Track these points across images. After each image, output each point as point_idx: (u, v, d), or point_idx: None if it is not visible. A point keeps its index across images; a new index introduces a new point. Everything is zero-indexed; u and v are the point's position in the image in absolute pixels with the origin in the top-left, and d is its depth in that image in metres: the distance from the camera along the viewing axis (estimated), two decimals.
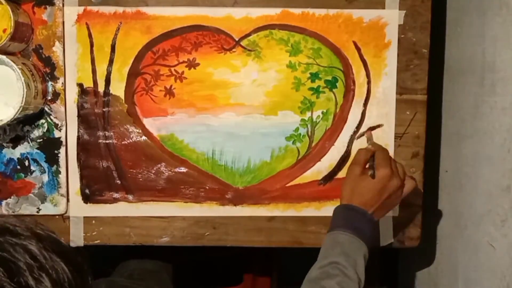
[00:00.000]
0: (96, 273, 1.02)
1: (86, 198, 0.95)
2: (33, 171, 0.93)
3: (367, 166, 0.86)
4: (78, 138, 0.94)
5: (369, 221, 0.82)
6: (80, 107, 0.93)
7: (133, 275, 1.05)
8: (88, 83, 0.93)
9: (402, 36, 0.95)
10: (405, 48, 0.95)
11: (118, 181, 0.95)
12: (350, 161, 0.96)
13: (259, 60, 0.94)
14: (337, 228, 0.82)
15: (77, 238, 0.95)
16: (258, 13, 0.93)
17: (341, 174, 0.96)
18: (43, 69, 0.92)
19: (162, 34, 0.93)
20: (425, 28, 0.94)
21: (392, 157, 0.91)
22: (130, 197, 0.95)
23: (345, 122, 0.96)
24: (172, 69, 0.94)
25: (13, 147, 0.93)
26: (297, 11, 0.93)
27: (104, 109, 0.94)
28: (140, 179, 0.95)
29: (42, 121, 0.93)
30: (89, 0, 0.92)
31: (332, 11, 0.93)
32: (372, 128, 0.95)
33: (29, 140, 0.93)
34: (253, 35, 0.94)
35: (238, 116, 0.95)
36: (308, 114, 0.95)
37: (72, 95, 0.93)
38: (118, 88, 0.94)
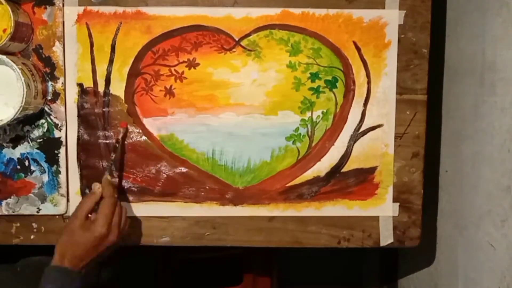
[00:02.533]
0: None
1: None
2: (33, 171, 0.93)
3: (90, 215, 0.84)
4: (78, 138, 0.94)
5: (77, 278, 0.82)
6: (80, 107, 0.94)
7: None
8: (88, 83, 0.93)
9: (402, 36, 0.95)
10: (405, 48, 0.95)
11: (118, 181, 0.95)
12: (350, 161, 0.96)
13: (259, 60, 0.94)
14: None
15: None
16: (258, 13, 0.93)
17: (341, 174, 0.96)
18: (43, 69, 0.92)
19: (162, 34, 0.93)
20: (425, 28, 0.95)
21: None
22: (130, 197, 0.95)
23: (345, 122, 0.96)
24: (172, 69, 0.94)
25: (13, 147, 0.93)
26: (297, 11, 0.93)
27: (104, 109, 0.94)
28: (140, 179, 0.95)
29: (42, 121, 0.93)
30: (89, 0, 0.92)
31: (332, 11, 0.94)
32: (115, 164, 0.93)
33: (29, 140, 0.93)
34: (253, 35, 0.94)
35: (238, 116, 0.95)
36: (308, 114, 0.95)
37: (72, 95, 0.93)
38: (118, 88, 0.94)
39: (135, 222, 0.96)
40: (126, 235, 0.87)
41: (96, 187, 0.85)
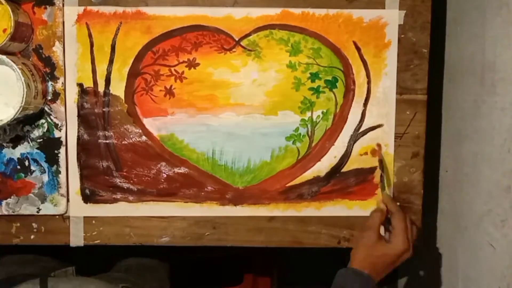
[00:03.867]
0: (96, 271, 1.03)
1: (86, 198, 0.95)
2: (33, 171, 0.93)
3: (381, 230, 0.86)
4: (78, 138, 0.94)
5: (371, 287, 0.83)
6: (80, 107, 0.94)
7: (130, 269, 1.05)
8: (88, 83, 0.93)
9: (402, 36, 0.95)
10: (405, 48, 0.95)
11: (118, 181, 0.95)
12: (350, 161, 0.96)
13: (259, 60, 0.94)
14: None
15: (77, 238, 0.95)
16: (258, 13, 0.93)
17: (341, 174, 0.96)
18: (43, 69, 0.92)
19: (162, 34, 0.93)
20: (425, 28, 0.95)
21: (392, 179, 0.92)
22: (130, 197, 0.95)
23: (345, 122, 0.96)
24: (172, 69, 0.94)
25: (13, 147, 0.93)
26: (297, 11, 0.93)
27: (104, 109, 0.94)
28: (140, 179, 0.95)
29: (42, 121, 0.93)
30: (89, 0, 0.92)
31: (332, 11, 0.94)
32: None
33: (29, 140, 0.93)
34: (253, 35, 0.94)
35: (238, 116, 0.95)
36: (308, 114, 0.95)
37: (72, 95, 0.93)
38: (118, 88, 0.94)
39: (135, 222, 0.96)
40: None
41: (381, 204, 0.89)
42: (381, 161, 0.94)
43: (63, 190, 0.94)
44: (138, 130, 0.95)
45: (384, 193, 0.92)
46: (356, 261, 0.84)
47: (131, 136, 0.95)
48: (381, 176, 0.93)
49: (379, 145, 0.94)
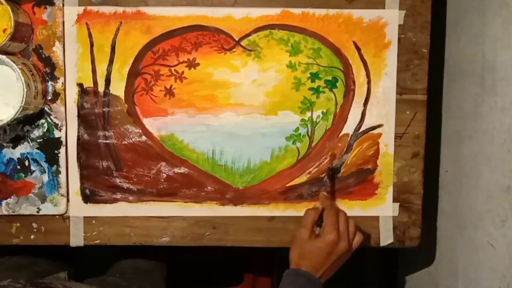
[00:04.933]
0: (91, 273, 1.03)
1: (86, 198, 0.95)
2: (33, 171, 0.93)
3: (315, 227, 0.87)
4: (78, 138, 0.94)
5: (315, 284, 0.83)
6: (80, 107, 0.94)
7: (125, 273, 1.05)
8: (88, 83, 0.93)
9: (402, 36, 0.95)
10: (405, 48, 0.95)
11: (118, 181, 0.95)
12: (350, 161, 0.96)
13: (259, 60, 0.94)
14: None
15: (77, 238, 0.95)
16: (258, 13, 0.93)
17: (341, 174, 0.96)
18: (43, 69, 0.92)
19: (162, 34, 0.93)
20: (425, 28, 0.95)
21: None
22: (130, 197, 0.95)
23: (345, 122, 0.96)
24: (172, 69, 0.94)
25: (13, 147, 0.93)
26: (297, 11, 0.93)
27: (104, 109, 0.94)
28: (140, 179, 0.95)
29: (42, 121, 0.93)
30: (89, 0, 0.92)
31: (332, 11, 0.94)
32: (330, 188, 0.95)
33: (29, 140, 0.93)
34: (253, 35, 0.94)
35: (238, 116, 0.95)
36: (308, 114, 0.95)
37: (72, 95, 0.93)
38: (118, 88, 0.94)
39: (135, 222, 0.96)
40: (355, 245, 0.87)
41: (317, 204, 0.91)
42: (330, 169, 0.95)
43: (63, 190, 0.94)
44: (138, 130, 0.95)
45: (321, 194, 0.93)
46: (292, 261, 0.85)
47: (131, 136, 0.95)
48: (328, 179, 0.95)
49: (333, 155, 0.95)
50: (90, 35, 0.93)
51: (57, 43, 0.92)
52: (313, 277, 0.83)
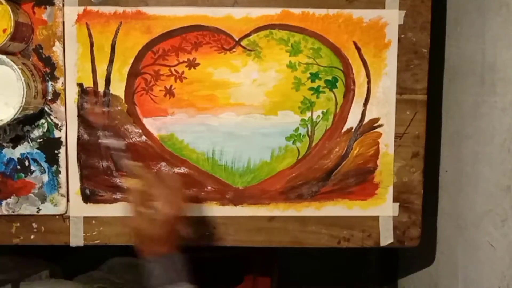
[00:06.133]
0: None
1: (86, 198, 0.95)
2: (33, 171, 0.93)
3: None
4: (78, 138, 0.94)
5: (172, 257, 0.78)
6: (80, 107, 0.94)
7: (113, 268, 1.05)
8: (88, 83, 0.93)
9: (402, 36, 0.95)
10: (405, 48, 0.95)
11: (118, 181, 0.95)
12: (350, 161, 0.96)
13: (259, 60, 0.94)
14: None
15: (77, 238, 0.95)
16: (258, 13, 0.93)
17: (341, 174, 0.96)
18: (43, 69, 0.92)
19: (162, 34, 0.93)
20: (425, 28, 0.95)
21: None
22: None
23: (345, 122, 0.96)
24: (172, 69, 0.94)
25: (13, 147, 0.93)
26: (297, 11, 0.93)
27: (104, 109, 0.94)
28: None
29: (42, 121, 0.93)
30: (89, 0, 0.92)
31: (332, 11, 0.94)
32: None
33: (29, 140, 0.93)
34: (253, 35, 0.94)
35: (238, 116, 0.95)
36: (308, 114, 0.95)
37: (72, 95, 0.93)
38: (118, 88, 0.94)
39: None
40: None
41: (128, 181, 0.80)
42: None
43: (63, 190, 0.94)
44: (138, 130, 0.95)
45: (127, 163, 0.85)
46: (141, 253, 0.78)
47: (131, 136, 0.95)
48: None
49: None
50: (90, 35, 0.93)
51: (57, 43, 0.92)
52: (165, 255, 0.77)
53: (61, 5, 0.91)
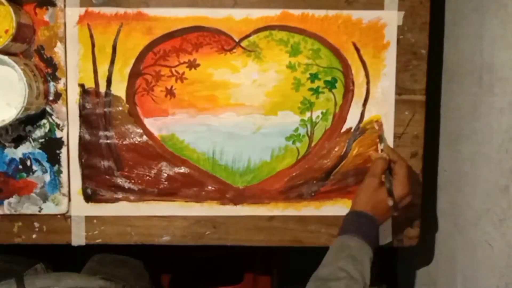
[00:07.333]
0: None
1: (88, 198, 0.96)
2: (35, 170, 0.94)
3: (383, 177, 0.88)
4: (80, 138, 0.95)
5: (376, 227, 0.86)
6: (81, 108, 0.94)
7: (104, 260, 1.04)
8: (89, 84, 0.94)
9: (401, 37, 0.95)
10: (404, 49, 0.95)
11: (119, 181, 0.96)
12: (349, 160, 0.96)
13: (259, 60, 0.95)
14: (348, 232, 0.84)
15: (78, 237, 0.96)
16: (258, 14, 0.94)
17: (341, 174, 0.97)
18: (45, 69, 0.93)
19: (163, 35, 0.94)
20: (424, 29, 0.95)
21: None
22: (131, 196, 0.96)
23: (344, 122, 0.96)
24: (173, 69, 0.94)
25: (15, 147, 0.93)
26: (296, 12, 0.94)
27: (105, 109, 0.94)
28: (141, 179, 0.96)
29: (44, 121, 0.93)
30: (90, 1, 0.92)
31: (331, 12, 0.94)
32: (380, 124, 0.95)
33: (31, 140, 0.93)
34: (253, 36, 0.94)
35: (238, 116, 0.95)
36: (308, 114, 0.96)
37: (73, 95, 0.94)
38: (119, 89, 0.94)
39: (136, 221, 0.96)
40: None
41: (384, 154, 0.90)
42: (380, 136, 0.94)
43: (64, 190, 0.95)
44: (139, 130, 0.95)
45: (385, 145, 0.92)
46: (358, 204, 0.86)
47: (132, 136, 0.95)
48: (380, 136, 0.94)
49: (378, 123, 0.95)
50: (91, 36, 0.93)
51: (58, 44, 0.92)
52: (376, 220, 0.85)
53: (62, 6, 0.92)
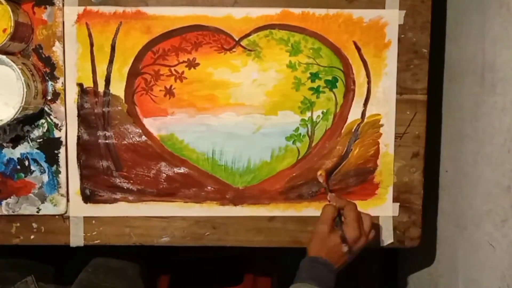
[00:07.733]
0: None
1: (86, 198, 0.95)
2: (33, 171, 0.93)
3: (334, 223, 0.88)
4: (78, 138, 0.94)
5: (333, 272, 0.86)
6: (80, 107, 0.94)
7: (97, 271, 1.04)
8: (88, 83, 0.93)
9: (402, 36, 0.95)
10: (405, 48, 0.95)
11: (118, 181, 0.95)
12: (350, 161, 0.96)
13: (259, 60, 0.94)
14: (304, 280, 0.84)
15: (77, 238, 0.95)
16: (258, 13, 0.93)
17: (341, 174, 0.96)
18: (43, 69, 0.92)
19: (162, 34, 0.93)
20: (425, 28, 0.95)
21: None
22: (130, 197, 0.95)
23: (345, 122, 0.96)
24: (172, 69, 0.94)
25: (13, 147, 0.93)
26: (297, 11, 0.93)
27: (104, 109, 0.94)
28: (140, 179, 0.95)
29: (42, 121, 0.93)
30: (89, 0, 0.92)
31: (332, 11, 0.94)
32: (331, 191, 0.95)
33: (29, 140, 0.93)
34: (253, 35, 0.94)
35: (238, 116, 0.95)
36: (308, 114, 0.95)
37: (72, 95, 0.93)
38: (118, 88, 0.94)
39: (136, 222, 0.96)
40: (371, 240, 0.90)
41: (332, 201, 0.91)
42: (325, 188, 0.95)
43: (63, 190, 0.94)
44: (138, 130, 0.95)
45: (330, 195, 0.92)
46: (312, 250, 0.87)
47: (131, 136, 0.95)
48: (325, 188, 0.95)
49: (322, 176, 0.96)
50: (90, 35, 0.93)
51: (57, 43, 0.92)
52: (331, 265, 0.85)
53: (61, 5, 0.91)
